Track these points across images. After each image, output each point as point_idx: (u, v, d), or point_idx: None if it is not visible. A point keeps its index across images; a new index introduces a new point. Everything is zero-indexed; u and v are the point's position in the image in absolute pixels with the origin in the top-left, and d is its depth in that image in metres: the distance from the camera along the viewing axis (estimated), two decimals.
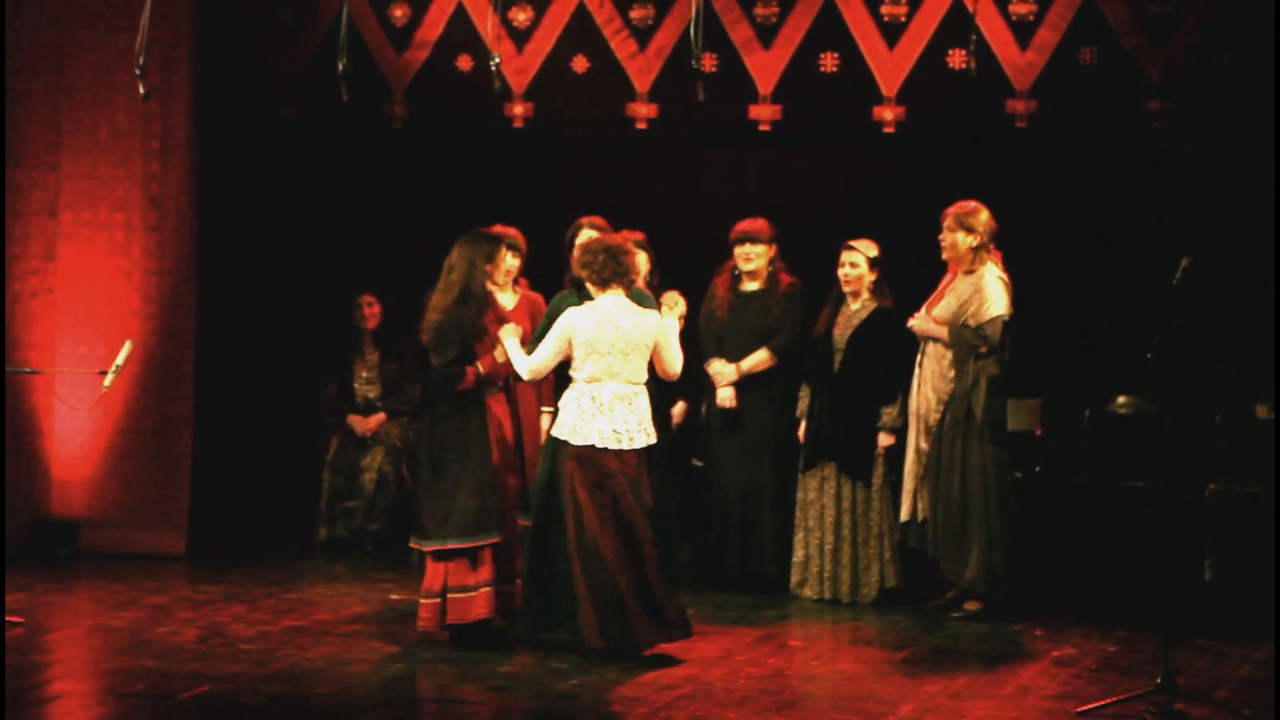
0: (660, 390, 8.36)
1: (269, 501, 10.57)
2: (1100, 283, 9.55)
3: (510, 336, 7.93)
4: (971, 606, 8.77)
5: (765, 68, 9.97)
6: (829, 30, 9.87)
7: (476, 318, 7.96)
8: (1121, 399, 9.35)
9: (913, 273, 9.13)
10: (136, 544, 10.09)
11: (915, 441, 8.91)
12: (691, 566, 9.40)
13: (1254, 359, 9.06)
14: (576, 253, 8.20)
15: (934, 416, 8.82)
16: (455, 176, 10.52)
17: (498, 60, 8.68)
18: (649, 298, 8.44)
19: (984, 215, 8.82)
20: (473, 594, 7.83)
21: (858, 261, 9.13)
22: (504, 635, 7.97)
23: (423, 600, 7.91)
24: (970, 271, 8.82)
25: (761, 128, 10.04)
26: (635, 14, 10.14)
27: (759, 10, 9.96)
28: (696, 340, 9.35)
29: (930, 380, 8.86)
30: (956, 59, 9.68)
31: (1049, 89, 9.59)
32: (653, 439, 7.88)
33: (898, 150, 9.91)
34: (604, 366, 7.78)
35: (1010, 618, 8.67)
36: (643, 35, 10.14)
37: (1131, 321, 8.71)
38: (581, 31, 10.20)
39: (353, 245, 10.70)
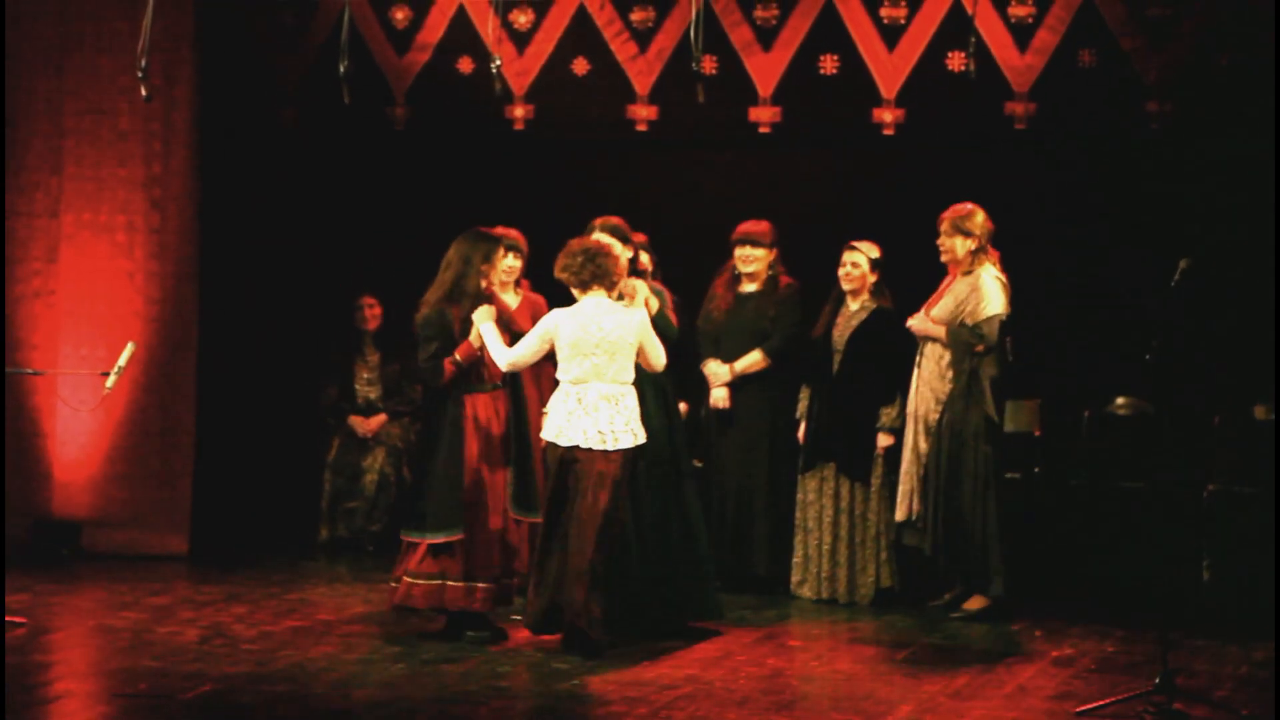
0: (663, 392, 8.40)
1: (270, 502, 10.59)
2: (1099, 284, 9.57)
3: (485, 320, 7.95)
4: (971, 606, 8.79)
5: (765, 70, 10.00)
6: (829, 33, 9.89)
7: (465, 315, 7.98)
8: (1120, 400, 9.36)
9: (912, 274, 9.15)
10: (138, 545, 10.11)
11: (914, 441, 8.93)
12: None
13: (1252, 360, 9.07)
14: (558, 261, 8.16)
15: (933, 416, 8.84)
16: (456, 178, 10.54)
17: (498, 62, 8.69)
18: (661, 294, 8.49)
19: (980, 217, 8.84)
20: (426, 582, 7.98)
21: (859, 261, 9.15)
22: (457, 627, 8.07)
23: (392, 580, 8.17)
24: (968, 272, 8.85)
25: (761, 130, 10.06)
26: (636, 16, 10.17)
27: (759, 13, 9.99)
28: (695, 341, 9.38)
29: (929, 380, 8.89)
30: (956, 61, 9.70)
31: (1048, 91, 9.61)
32: (641, 439, 7.89)
33: (897, 152, 9.93)
34: (590, 367, 7.81)
35: (1009, 618, 8.69)
36: (643, 38, 10.17)
37: (1130, 323, 8.72)
38: (582, 34, 10.23)
39: (354, 247, 10.72)
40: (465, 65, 10.36)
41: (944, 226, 8.86)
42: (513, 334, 8.26)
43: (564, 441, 7.79)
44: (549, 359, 8.01)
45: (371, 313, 10.82)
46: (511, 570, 8.13)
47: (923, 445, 8.87)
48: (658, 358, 7.99)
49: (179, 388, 10.19)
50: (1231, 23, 9.34)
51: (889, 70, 9.83)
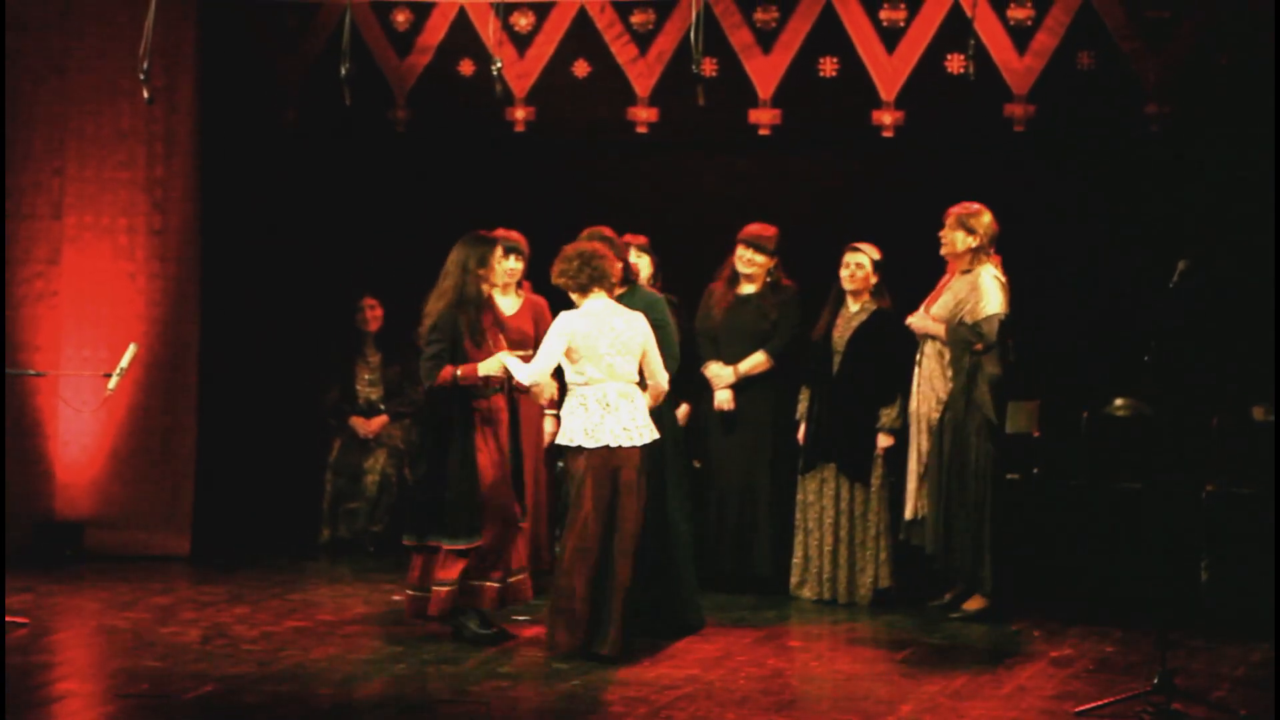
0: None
1: (272, 503, 10.61)
2: (1098, 285, 9.58)
3: (509, 358, 7.94)
4: (971, 606, 8.81)
5: (765, 72, 10.02)
6: (828, 35, 9.91)
7: (475, 320, 8.00)
8: (1119, 401, 9.34)
9: (912, 275, 9.16)
10: (141, 545, 10.12)
11: (916, 441, 8.95)
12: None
13: (1251, 361, 9.09)
14: (554, 266, 8.15)
15: (934, 415, 8.86)
16: (457, 180, 10.55)
17: (499, 65, 8.70)
18: (659, 299, 8.48)
19: (986, 218, 8.86)
20: (449, 588, 7.95)
21: (864, 263, 9.17)
22: (462, 627, 8.07)
23: (407, 591, 8.13)
24: (968, 271, 8.87)
25: (761, 132, 10.08)
26: (636, 19, 10.19)
27: (759, 15, 10.01)
28: (695, 342, 9.39)
29: (930, 379, 8.90)
30: (955, 64, 9.72)
31: (1047, 93, 9.63)
32: (655, 435, 7.94)
33: (897, 154, 9.94)
34: (605, 367, 7.83)
35: (1008, 618, 8.71)
36: (643, 40, 10.19)
37: (1129, 324, 8.74)
38: (582, 36, 10.24)
39: (355, 248, 10.73)
40: (466, 67, 10.38)
41: (949, 220, 8.88)
42: (510, 340, 8.28)
43: (593, 443, 7.80)
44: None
45: (372, 314, 10.83)
46: (511, 569, 8.14)
47: (924, 443, 8.89)
48: (661, 373, 8.01)
49: (181, 389, 10.21)
50: (1230, 24, 9.36)
51: (888, 72, 9.85)
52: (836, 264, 9.24)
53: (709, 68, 9.81)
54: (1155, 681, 6.92)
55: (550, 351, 7.83)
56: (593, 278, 7.89)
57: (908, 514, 8.99)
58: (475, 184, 10.43)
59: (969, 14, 9.22)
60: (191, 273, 10.23)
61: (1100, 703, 6.97)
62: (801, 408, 9.35)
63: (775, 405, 9.41)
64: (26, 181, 10.22)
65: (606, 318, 7.85)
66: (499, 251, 8.18)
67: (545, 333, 7.98)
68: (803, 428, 9.33)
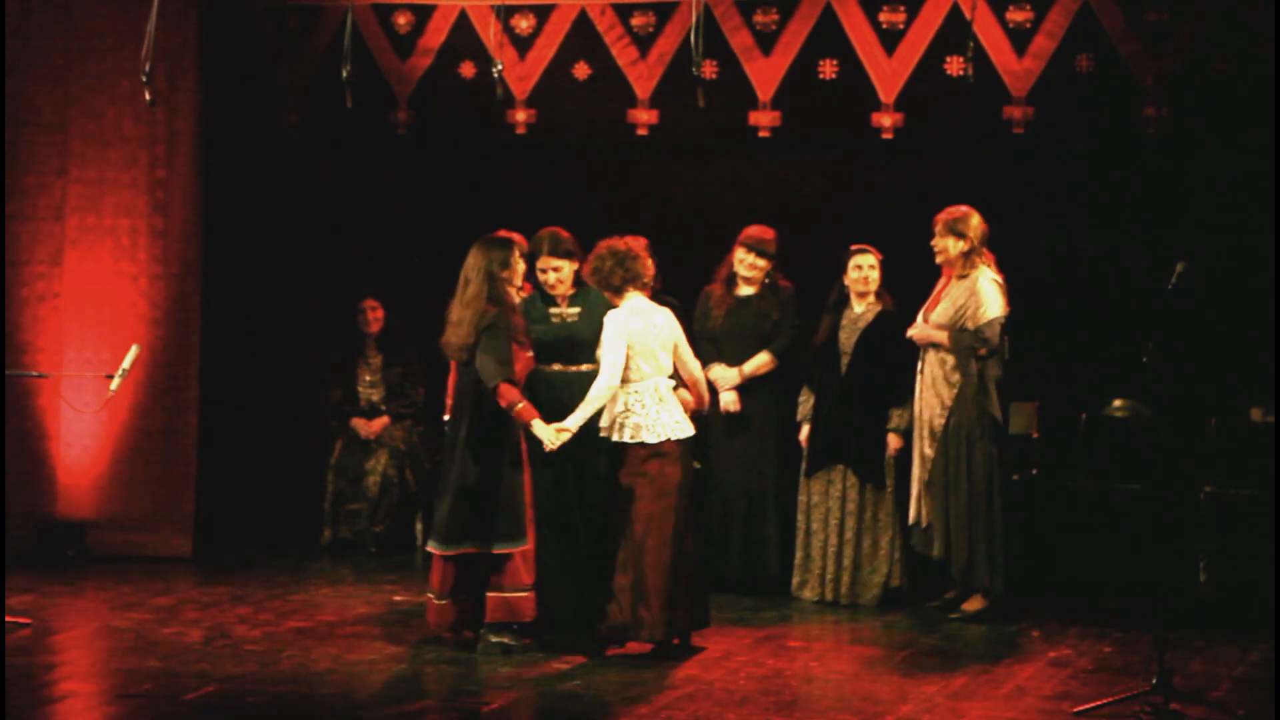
0: None
1: (274, 504, 10.62)
2: (1096, 287, 9.59)
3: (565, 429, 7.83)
4: (970, 606, 8.82)
5: (765, 75, 10.04)
6: (828, 37, 9.92)
7: (506, 324, 7.93)
8: (1117, 402, 9.38)
9: (912, 277, 9.18)
10: (143, 546, 10.14)
11: (919, 446, 8.96)
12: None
13: (1249, 363, 9.11)
14: (587, 265, 8.18)
15: (938, 421, 8.85)
16: (458, 182, 10.56)
17: (500, 67, 8.73)
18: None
19: (974, 220, 8.87)
20: (514, 595, 7.90)
21: (874, 264, 9.19)
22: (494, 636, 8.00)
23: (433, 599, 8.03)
24: (964, 275, 8.88)
25: (761, 134, 10.10)
26: (636, 21, 10.21)
27: (759, 18, 10.03)
28: (696, 344, 9.41)
29: (933, 385, 8.90)
30: (954, 66, 9.74)
31: (1046, 96, 9.64)
32: (692, 430, 8.05)
33: (896, 156, 9.96)
34: (656, 364, 7.96)
35: (1008, 619, 8.72)
36: (644, 42, 10.21)
37: (1127, 326, 8.76)
38: (583, 38, 10.26)
39: (356, 250, 10.75)
40: (467, 70, 10.40)
41: (938, 228, 8.90)
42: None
43: (653, 438, 7.88)
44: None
45: (374, 315, 10.85)
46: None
47: (928, 450, 8.90)
48: (696, 365, 8.22)
49: (183, 390, 10.23)
50: (1228, 28, 9.37)
51: (888, 75, 9.87)
52: (836, 265, 9.25)
53: (709, 70, 9.83)
54: (1154, 681, 6.92)
55: (616, 356, 7.86)
56: (626, 278, 7.99)
57: (910, 519, 9.00)
58: (476, 186, 10.45)
59: (968, 16, 9.23)
60: (193, 274, 10.24)
61: (1099, 703, 6.99)
62: (802, 409, 9.36)
63: (779, 406, 9.42)
64: (29, 183, 10.23)
65: (650, 315, 7.99)
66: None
67: None
68: (805, 429, 9.33)
